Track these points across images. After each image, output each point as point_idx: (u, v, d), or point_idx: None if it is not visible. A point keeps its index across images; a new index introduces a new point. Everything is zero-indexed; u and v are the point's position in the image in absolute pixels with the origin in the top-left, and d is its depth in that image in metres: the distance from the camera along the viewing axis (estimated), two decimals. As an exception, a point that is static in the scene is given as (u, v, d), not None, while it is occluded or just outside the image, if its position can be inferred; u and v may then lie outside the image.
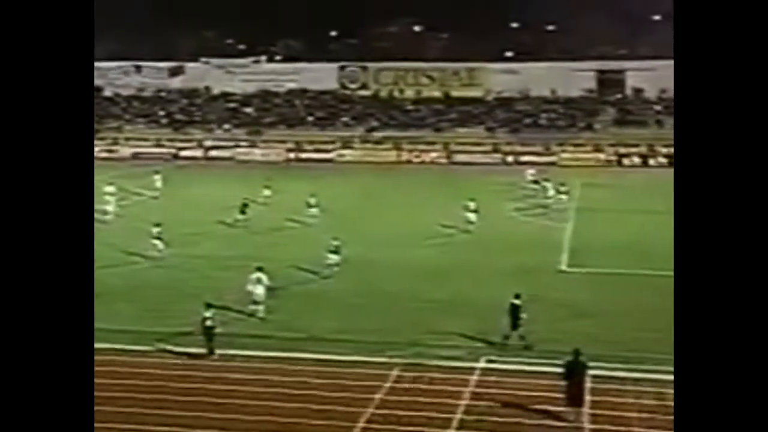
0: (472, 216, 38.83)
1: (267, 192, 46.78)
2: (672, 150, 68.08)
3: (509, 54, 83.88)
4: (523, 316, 22.41)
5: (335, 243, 30.91)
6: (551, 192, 46.45)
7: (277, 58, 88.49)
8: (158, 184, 50.51)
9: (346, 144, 73.22)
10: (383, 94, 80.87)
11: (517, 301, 22.59)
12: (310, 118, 77.39)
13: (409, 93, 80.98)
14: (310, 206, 41.26)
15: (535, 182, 51.13)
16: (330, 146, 72.87)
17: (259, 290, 25.69)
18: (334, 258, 30.52)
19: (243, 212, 40.71)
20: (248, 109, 79.64)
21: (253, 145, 73.82)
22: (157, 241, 33.41)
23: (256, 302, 25.62)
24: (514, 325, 22.36)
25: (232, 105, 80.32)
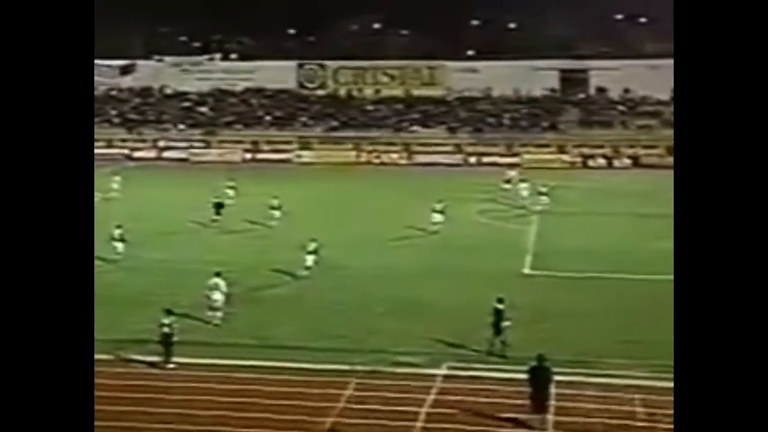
0: (438, 218, 39.19)
1: (231, 193, 46.74)
2: (637, 151, 69.22)
3: (471, 52, 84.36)
4: (506, 322, 22.43)
5: (313, 244, 31.01)
6: (525, 193, 46.93)
7: (233, 56, 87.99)
8: (116, 185, 50.09)
9: (305, 144, 73.12)
10: (342, 93, 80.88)
11: (500, 306, 22.59)
12: (268, 118, 77.09)
13: (369, 92, 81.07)
14: (273, 208, 41.26)
15: (507, 181, 51.27)
16: (288, 147, 72.71)
17: (217, 296, 25.58)
18: (310, 259, 30.74)
19: (218, 213, 41.10)
20: (203, 109, 79.12)
21: (208, 146, 73.38)
22: (118, 244, 33.14)
23: (213, 308, 25.49)
24: (497, 330, 22.40)
25: (186, 104, 79.72)
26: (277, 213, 41.14)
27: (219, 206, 41.41)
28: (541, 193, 46.39)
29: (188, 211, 42.41)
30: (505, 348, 22.26)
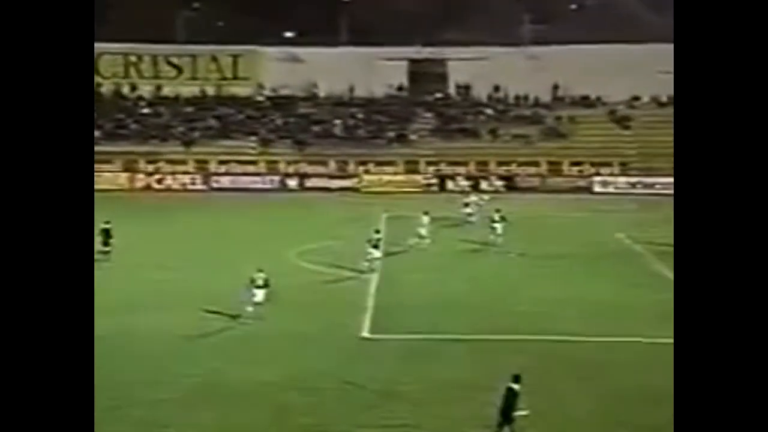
0: (376, 254, 41.53)
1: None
2: (511, 169, 71.37)
3: (289, 34, 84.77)
4: (523, 410, 21.96)
5: (262, 276, 33.11)
6: (422, 230, 47.17)
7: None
8: None
9: (54, 162, 71.09)
10: (107, 89, 79.22)
11: (515, 386, 22.14)
12: None
13: (147, 89, 79.90)
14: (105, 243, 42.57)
15: (467, 205, 54.26)
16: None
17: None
18: (260, 294, 33.19)
19: (106, 243, 42.54)
20: None
21: None
22: None
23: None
24: (506, 416, 21.83)
25: None
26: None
27: (107, 233, 42.80)
28: (494, 220, 47.16)
29: None
30: None
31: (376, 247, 41.89)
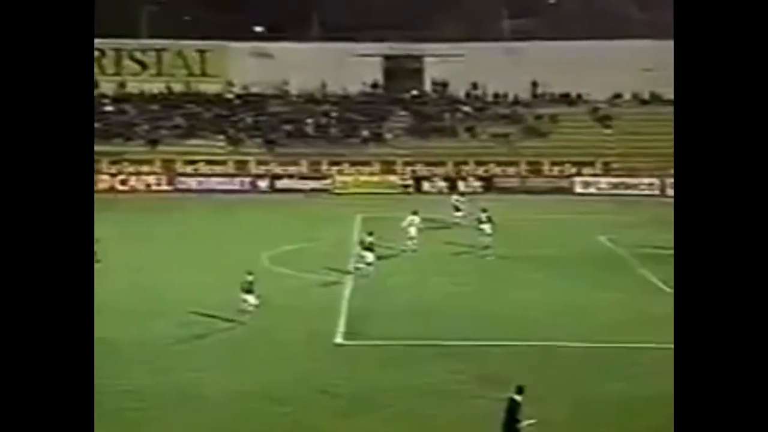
0: (369, 257, 41.26)
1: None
2: (489, 169, 71.54)
3: (259, 29, 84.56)
4: (531, 419, 21.94)
5: (249, 278, 33.69)
6: (413, 231, 46.93)
7: None
8: None
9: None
10: (70, 87, 78.94)
11: (517, 397, 22.16)
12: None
13: (109, 86, 79.48)
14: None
15: (457, 209, 53.81)
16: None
17: None
18: (251, 299, 33.70)
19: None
20: None
21: None
22: None
23: None
24: (509, 427, 21.88)
25: None
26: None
27: None
28: (482, 221, 46.71)
29: None
30: None
31: (369, 249, 41.50)
